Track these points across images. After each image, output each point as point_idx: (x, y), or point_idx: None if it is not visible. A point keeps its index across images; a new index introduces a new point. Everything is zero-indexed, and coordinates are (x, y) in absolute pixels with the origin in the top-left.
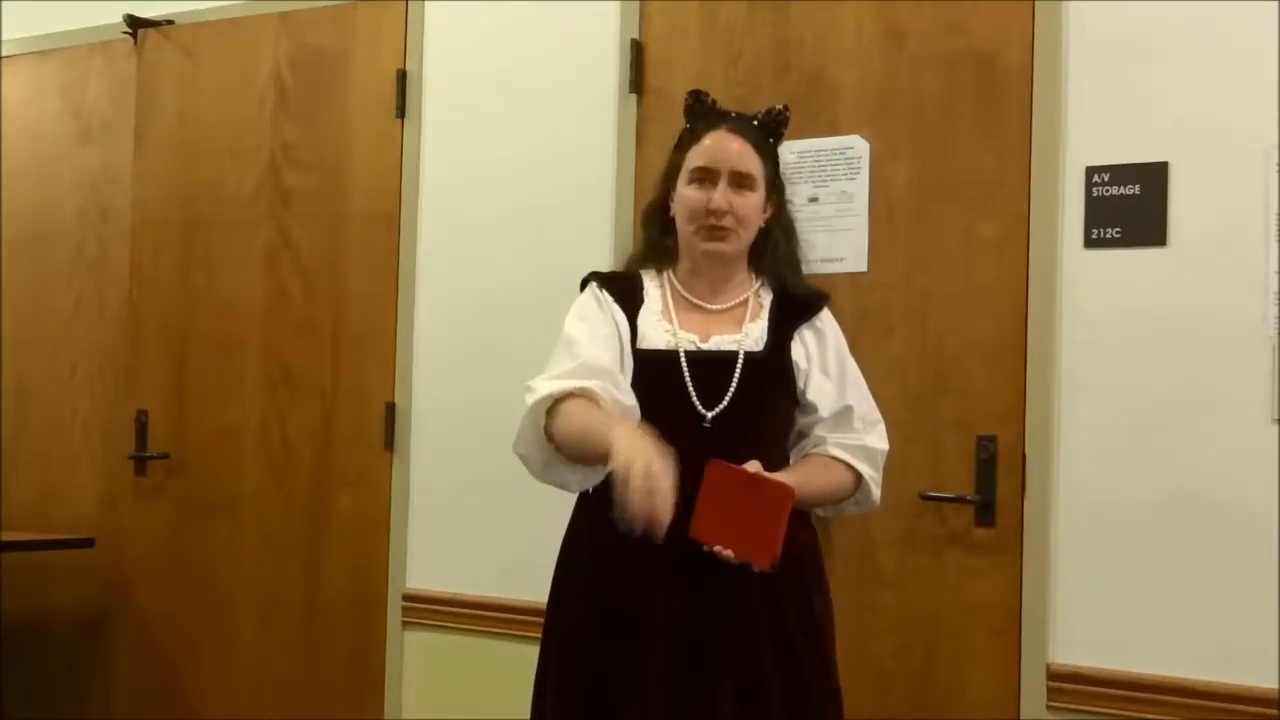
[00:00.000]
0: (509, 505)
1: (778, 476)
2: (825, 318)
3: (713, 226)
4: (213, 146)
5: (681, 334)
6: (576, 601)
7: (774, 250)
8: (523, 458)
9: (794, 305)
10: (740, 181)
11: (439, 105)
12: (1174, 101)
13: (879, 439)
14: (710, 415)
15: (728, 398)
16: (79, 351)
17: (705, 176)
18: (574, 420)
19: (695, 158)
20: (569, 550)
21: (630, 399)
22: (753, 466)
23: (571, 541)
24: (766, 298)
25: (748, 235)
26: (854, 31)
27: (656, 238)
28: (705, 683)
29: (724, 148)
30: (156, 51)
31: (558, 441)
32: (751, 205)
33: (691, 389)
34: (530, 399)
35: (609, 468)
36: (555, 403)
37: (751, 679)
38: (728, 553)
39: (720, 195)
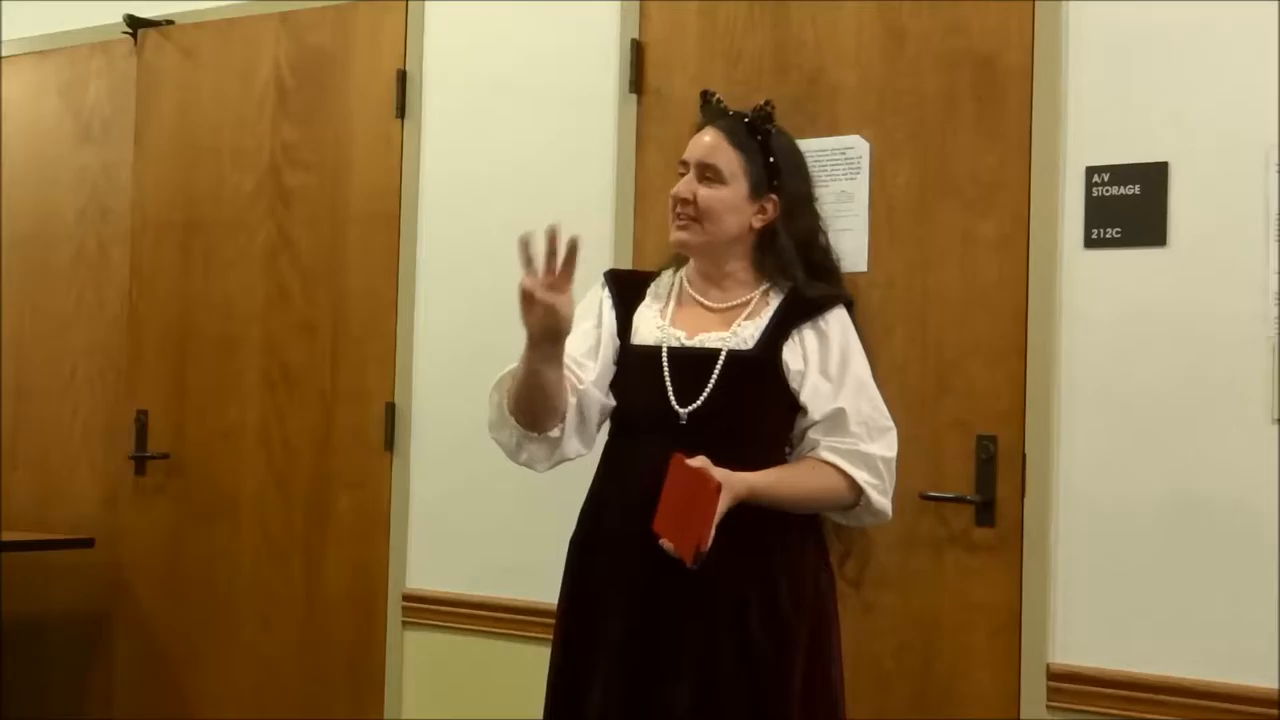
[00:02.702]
0: (509, 505)
1: (746, 475)
2: (832, 319)
3: (676, 215)
4: (213, 147)
5: (669, 330)
6: (563, 599)
7: (777, 250)
8: (496, 441)
9: (801, 306)
10: (705, 173)
11: (439, 105)
12: (1174, 101)
13: (884, 446)
14: (684, 412)
15: (703, 395)
16: (79, 352)
17: (683, 168)
18: (516, 374)
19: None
20: (569, 547)
21: (582, 384)
22: (698, 460)
23: (572, 538)
24: (776, 298)
25: (714, 228)
26: (854, 31)
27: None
28: (664, 686)
29: (697, 141)
30: (156, 51)
31: (512, 403)
32: (716, 198)
33: (669, 385)
34: (491, 386)
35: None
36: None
37: (709, 683)
38: (669, 546)
39: (684, 184)
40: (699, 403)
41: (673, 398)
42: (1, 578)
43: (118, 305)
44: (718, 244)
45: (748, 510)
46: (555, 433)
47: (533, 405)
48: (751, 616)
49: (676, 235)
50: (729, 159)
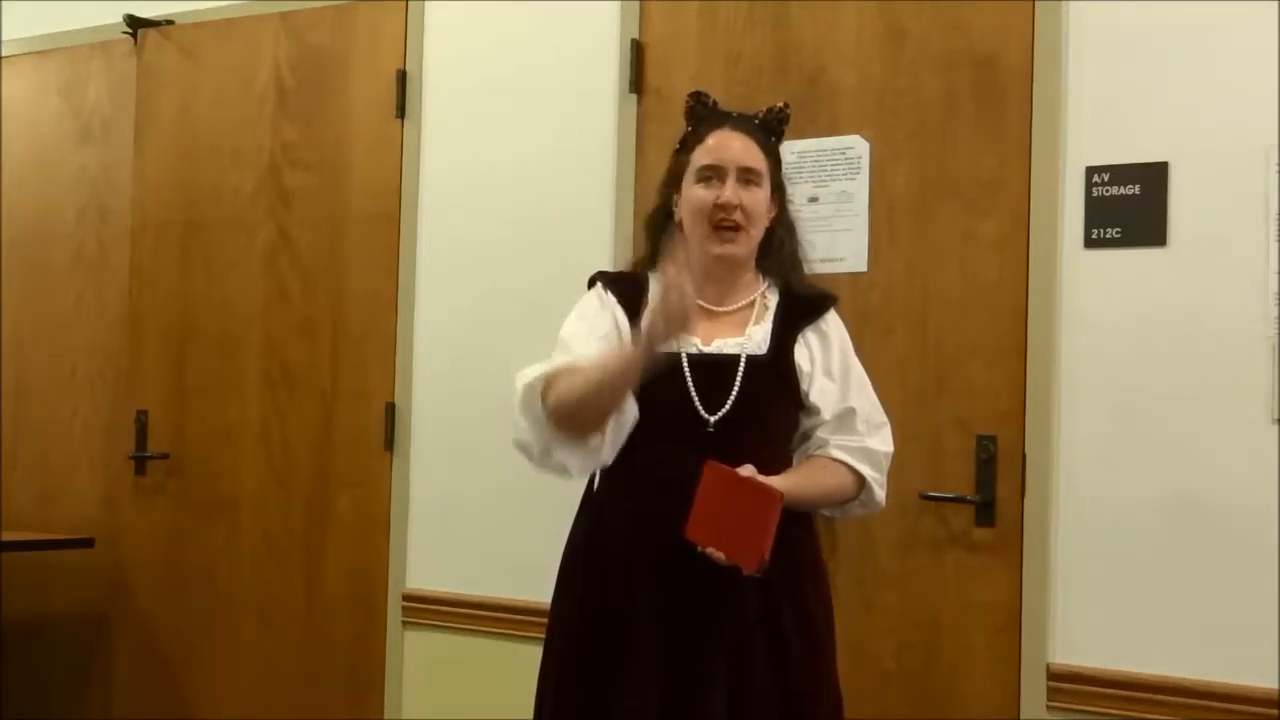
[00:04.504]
0: (509, 505)
1: (773, 479)
2: (830, 319)
3: (722, 223)
4: (213, 147)
5: (684, 337)
6: (574, 603)
7: (779, 251)
8: (521, 446)
9: (799, 307)
10: (748, 177)
11: (439, 106)
12: (1174, 101)
13: (883, 441)
14: (713, 419)
15: (730, 401)
16: (79, 352)
17: (713, 174)
18: (573, 380)
19: (701, 157)
20: (570, 552)
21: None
22: (746, 470)
23: (572, 542)
24: (772, 299)
25: (756, 233)
26: (854, 31)
27: (661, 242)
28: (698, 689)
29: (730, 145)
30: (156, 51)
31: (559, 409)
32: (759, 201)
33: (694, 392)
34: (521, 384)
35: (631, 361)
36: (547, 384)
37: (744, 686)
38: (719, 555)
39: (730, 190)
40: (726, 408)
41: (699, 405)
42: (1, 578)
43: (118, 305)
44: (753, 250)
45: None
46: (595, 441)
47: (594, 419)
48: (784, 620)
49: (724, 249)
50: (760, 160)
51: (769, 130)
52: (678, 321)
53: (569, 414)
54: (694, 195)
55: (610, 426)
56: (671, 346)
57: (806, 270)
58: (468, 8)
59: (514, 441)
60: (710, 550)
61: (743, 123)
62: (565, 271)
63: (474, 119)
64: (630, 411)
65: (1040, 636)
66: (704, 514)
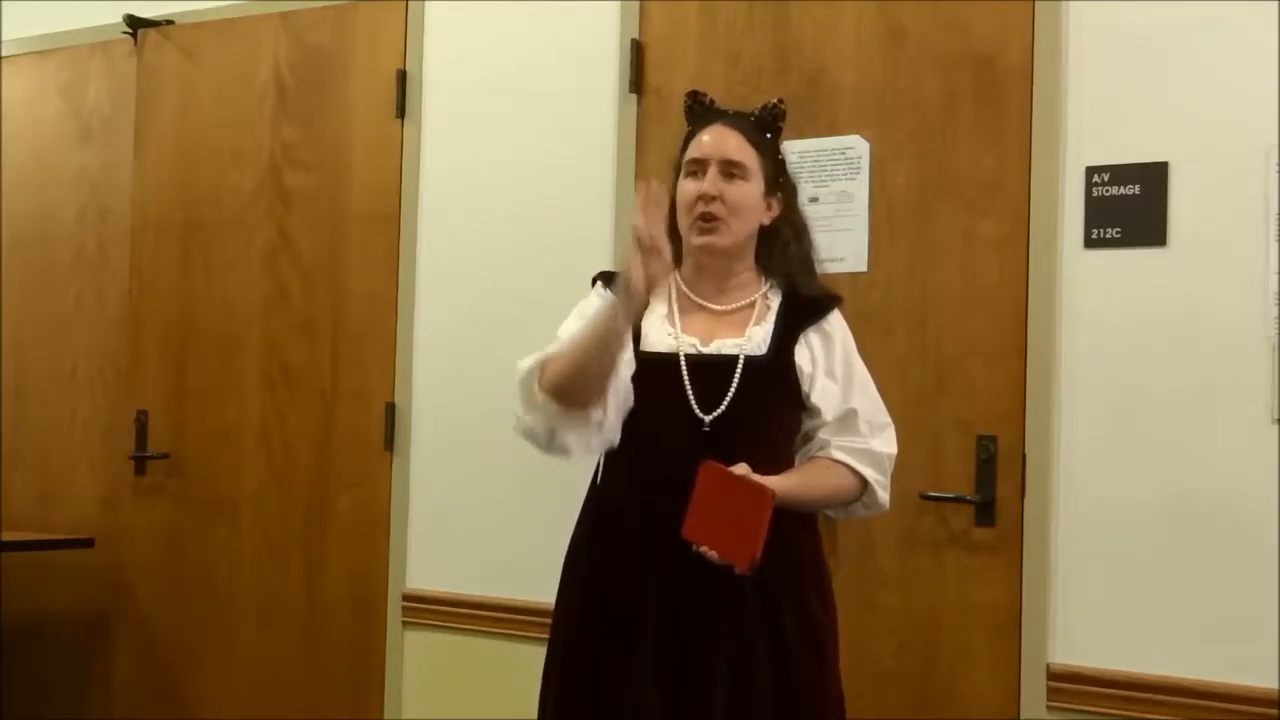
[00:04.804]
0: (509, 505)
1: (773, 480)
2: (834, 320)
3: (702, 215)
4: (213, 146)
5: (683, 337)
6: (575, 604)
7: (783, 251)
8: (526, 434)
9: (802, 307)
10: (731, 170)
11: (439, 106)
12: (1174, 101)
13: (886, 443)
14: (709, 419)
15: (726, 402)
16: (79, 352)
17: (697, 168)
18: (564, 351)
19: (690, 152)
20: (573, 551)
21: (619, 375)
22: (740, 468)
23: (573, 544)
24: (775, 299)
25: (740, 226)
26: (854, 31)
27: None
28: (699, 688)
29: (714, 140)
30: (156, 51)
31: (556, 383)
32: (744, 194)
33: (690, 392)
34: (518, 372)
35: (618, 298)
36: (542, 368)
37: (745, 686)
38: (712, 553)
39: (709, 182)
40: (722, 409)
41: (695, 405)
42: (1, 578)
43: (118, 305)
44: (740, 244)
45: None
46: (598, 414)
47: (591, 382)
48: (785, 620)
49: (704, 239)
50: (749, 155)
51: (764, 127)
52: (649, 271)
53: (566, 384)
54: (680, 189)
55: (610, 402)
56: (649, 297)
57: (818, 271)
58: (468, 8)
59: (520, 430)
60: (704, 549)
61: (736, 120)
62: (565, 271)
63: (474, 119)
64: (627, 390)
65: (1040, 636)
66: (699, 513)
